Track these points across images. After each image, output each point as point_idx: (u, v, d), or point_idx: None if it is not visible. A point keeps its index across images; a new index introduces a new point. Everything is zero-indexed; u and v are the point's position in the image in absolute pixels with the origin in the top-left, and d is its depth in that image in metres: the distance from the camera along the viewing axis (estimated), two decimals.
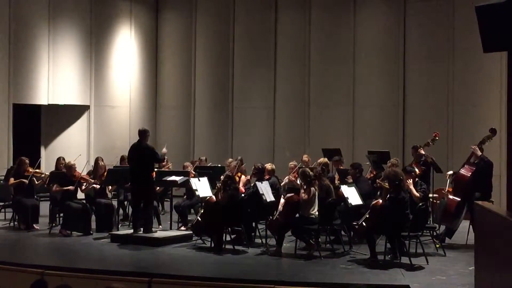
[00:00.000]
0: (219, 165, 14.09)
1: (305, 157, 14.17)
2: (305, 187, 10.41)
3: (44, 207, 13.60)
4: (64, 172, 12.69)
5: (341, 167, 12.99)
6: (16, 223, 12.95)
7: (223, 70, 18.58)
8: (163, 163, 14.46)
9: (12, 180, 12.81)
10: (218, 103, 18.66)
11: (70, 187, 12.26)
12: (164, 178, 12.33)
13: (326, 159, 12.43)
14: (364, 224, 9.97)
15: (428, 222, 11.08)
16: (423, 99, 16.43)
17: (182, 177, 12.28)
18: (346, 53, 17.19)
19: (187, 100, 19.03)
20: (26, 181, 12.66)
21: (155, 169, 12.95)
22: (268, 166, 12.24)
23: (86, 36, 17.92)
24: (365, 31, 17.06)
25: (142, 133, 11.72)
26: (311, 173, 10.51)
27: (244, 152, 16.38)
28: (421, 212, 10.01)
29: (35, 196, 13.18)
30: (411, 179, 10.51)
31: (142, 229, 11.57)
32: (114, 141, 18.03)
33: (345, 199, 10.80)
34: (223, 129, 18.51)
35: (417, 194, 10.39)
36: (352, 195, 10.82)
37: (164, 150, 12.12)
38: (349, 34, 17.15)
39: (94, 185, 12.47)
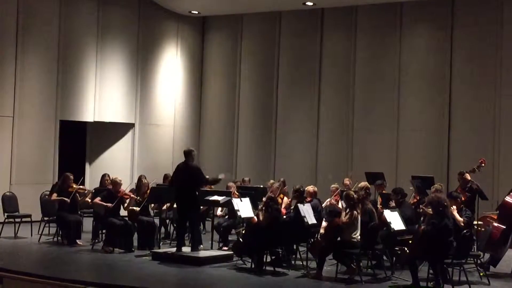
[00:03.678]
0: (261, 186, 14.09)
1: (346, 181, 14.08)
2: (347, 210, 10.36)
3: (88, 223, 13.76)
4: (109, 189, 12.84)
5: (384, 192, 12.90)
6: (59, 238, 13.11)
7: (267, 91, 18.65)
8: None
9: (54, 196, 12.96)
10: (261, 124, 18.71)
11: (109, 204, 12.36)
12: (207, 198, 12.38)
13: (366, 183, 12.35)
14: (406, 249, 9.86)
15: (473, 250, 10.90)
16: (469, 124, 16.21)
17: (224, 197, 12.31)
18: (391, 77, 17.09)
19: (230, 120, 19.14)
20: (67, 200, 12.80)
21: None
22: (310, 188, 12.21)
23: (133, 55, 18.17)
24: (411, 55, 16.96)
25: (188, 154, 11.81)
26: (355, 196, 10.46)
27: (286, 173, 16.36)
28: (466, 239, 9.87)
29: (79, 212, 13.34)
30: (456, 205, 10.37)
31: (190, 246, 11.72)
32: (157, 159, 18.20)
33: (387, 224, 10.69)
34: (266, 150, 18.55)
35: (461, 219, 10.23)
36: (395, 220, 10.69)
37: (222, 175, 12.06)
38: (395, 58, 17.06)
39: (136, 199, 12.56)
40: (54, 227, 13.45)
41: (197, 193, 11.86)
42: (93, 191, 13.39)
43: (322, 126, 17.92)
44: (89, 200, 13.16)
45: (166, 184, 13.93)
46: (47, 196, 13.62)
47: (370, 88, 17.38)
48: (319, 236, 10.89)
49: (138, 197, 12.63)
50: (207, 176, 11.94)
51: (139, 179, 13.25)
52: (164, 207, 13.41)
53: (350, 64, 17.62)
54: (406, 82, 16.97)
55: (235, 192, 13.14)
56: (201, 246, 12.40)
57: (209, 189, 13.57)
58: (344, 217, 10.32)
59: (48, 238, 13.49)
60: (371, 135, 17.23)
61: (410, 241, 10.39)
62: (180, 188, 11.73)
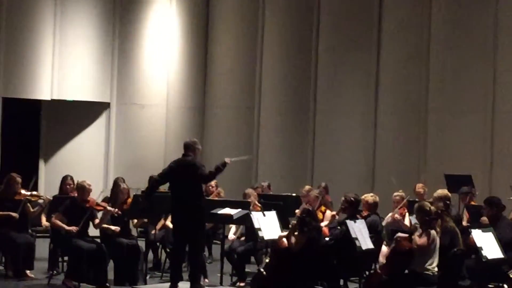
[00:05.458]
0: (293, 195, 14.05)
1: (419, 187, 14.05)
2: (421, 229, 10.32)
3: (42, 247, 13.77)
4: (72, 197, 12.83)
5: (473, 203, 12.85)
6: (2, 267, 13.13)
7: (302, 57, 18.61)
8: (211, 188, 14.51)
9: None
10: (293, 104, 18.70)
11: (72, 228, 12.27)
12: (214, 211, 12.35)
13: (446, 192, 12.31)
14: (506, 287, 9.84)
15: None
16: None
17: (239, 210, 12.27)
18: (483, 38, 17.05)
19: (248, 98, 19.12)
20: (16, 215, 12.78)
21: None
22: (369, 197, 12.19)
23: (108, 7, 18.18)
24: None
25: (189, 147, 11.81)
26: (432, 208, 10.41)
27: (330, 176, 16.37)
28: None
29: (30, 231, 13.33)
30: None
31: (189, 282, 11.68)
32: (143, 153, 18.20)
33: (477, 250, 10.65)
34: (300, 143, 18.54)
35: None
36: (488, 244, 10.67)
37: (228, 159, 11.93)
38: (489, 10, 16.99)
39: (113, 212, 12.49)
40: None
41: (201, 201, 11.85)
42: (51, 199, 13.36)
43: (382, 107, 17.88)
44: (44, 219, 13.16)
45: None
46: None
47: (452, 53, 17.30)
48: (378, 267, 10.84)
49: (116, 209, 12.59)
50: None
51: (115, 183, 13.23)
52: (159, 226, 13.37)
53: (423, 19, 17.54)
54: (504, 46, 16.90)
55: (256, 203, 13.12)
56: (206, 280, 12.40)
57: (216, 198, 13.56)
58: (417, 239, 10.25)
59: None
60: (453, 120, 17.16)
61: (511, 275, 10.34)
62: (176, 194, 11.76)
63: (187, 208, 11.63)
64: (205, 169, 11.74)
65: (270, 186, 15.36)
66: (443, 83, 17.36)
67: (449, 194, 12.26)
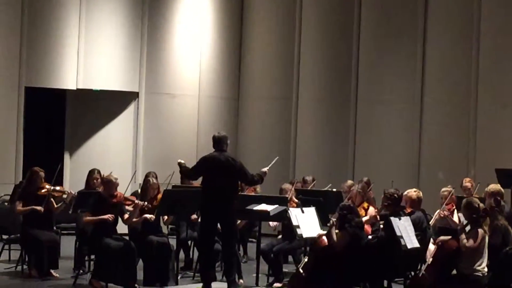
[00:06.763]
0: (334, 190, 14.03)
1: (466, 181, 13.97)
2: (469, 227, 10.26)
3: (68, 245, 13.84)
4: (98, 192, 12.88)
5: None
6: (25, 266, 13.15)
7: (343, 43, 18.57)
8: None
9: (20, 206, 12.94)
10: (333, 93, 18.65)
11: (108, 216, 12.33)
12: (249, 207, 12.34)
13: (499, 187, 12.23)
14: None
15: None
16: None
17: (276, 206, 12.25)
18: None
19: (286, 88, 19.09)
20: (40, 208, 12.84)
21: None
22: (413, 193, 12.11)
23: None
24: None
25: (220, 142, 11.87)
26: (480, 205, 10.34)
27: (373, 170, 16.32)
28: None
29: (54, 228, 13.40)
30: None
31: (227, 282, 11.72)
32: (174, 146, 18.21)
33: None
34: (341, 134, 18.51)
35: None
36: None
37: (266, 169, 12.11)
38: None
39: (142, 206, 12.47)
40: (18, 250, 13.54)
41: (235, 198, 11.92)
42: (75, 195, 13.39)
43: (429, 96, 17.80)
44: (69, 208, 13.22)
45: (186, 185, 13.91)
46: (7, 203, 13.69)
47: (506, 39, 17.19)
48: (424, 268, 10.80)
49: (145, 203, 12.57)
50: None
51: (146, 177, 13.25)
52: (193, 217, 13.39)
53: (473, 3, 17.42)
54: None
55: (294, 198, 13.11)
56: (241, 281, 12.43)
57: (252, 193, 13.55)
58: (465, 238, 10.20)
59: (9, 266, 13.60)
60: (505, 110, 17.03)
61: None
62: (209, 191, 11.79)
63: (223, 207, 11.68)
64: (248, 172, 11.88)
65: (313, 180, 15.31)
66: (495, 70, 17.24)
67: (502, 190, 12.20)
